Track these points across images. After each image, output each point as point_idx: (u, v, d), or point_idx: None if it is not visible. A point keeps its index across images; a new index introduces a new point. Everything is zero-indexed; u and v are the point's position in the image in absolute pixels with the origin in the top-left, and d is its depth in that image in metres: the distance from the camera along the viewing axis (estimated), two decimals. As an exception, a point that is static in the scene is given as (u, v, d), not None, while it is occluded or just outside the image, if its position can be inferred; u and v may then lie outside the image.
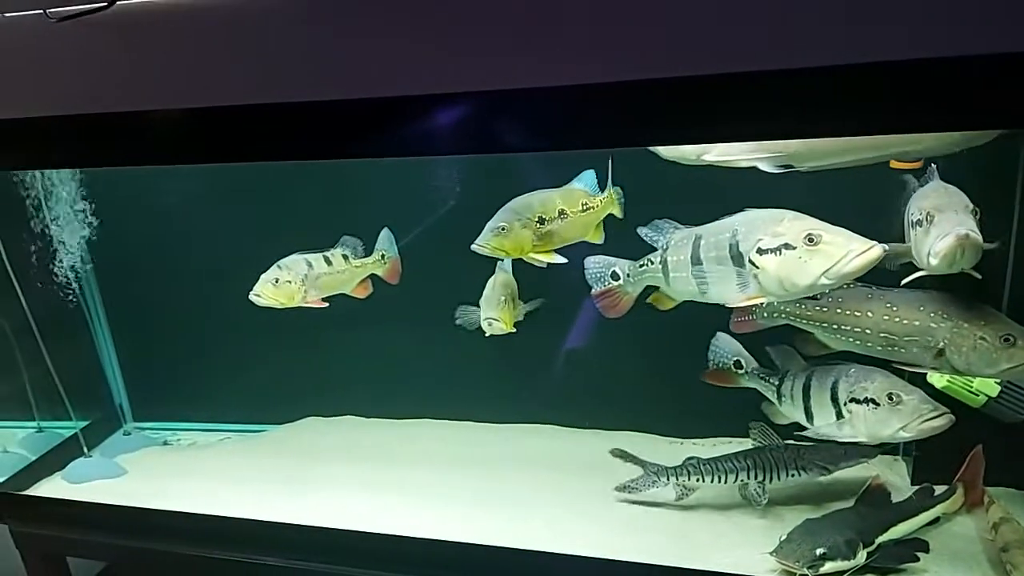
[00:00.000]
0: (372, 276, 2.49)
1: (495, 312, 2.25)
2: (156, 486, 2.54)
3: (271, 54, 1.46)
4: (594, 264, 2.11)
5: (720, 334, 2.16)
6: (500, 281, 2.31)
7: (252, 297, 2.26)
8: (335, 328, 2.76)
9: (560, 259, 2.06)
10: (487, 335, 2.28)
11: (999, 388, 1.85)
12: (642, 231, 2.01)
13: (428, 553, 2.09)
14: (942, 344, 1.72)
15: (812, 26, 1.20)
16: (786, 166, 1.91)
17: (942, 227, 1.62)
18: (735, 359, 2.15)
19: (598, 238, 2.16)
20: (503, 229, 1.97)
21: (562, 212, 2.03)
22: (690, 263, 1.87)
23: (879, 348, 1.82)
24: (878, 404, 1.85)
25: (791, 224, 1.68)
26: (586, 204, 2.08)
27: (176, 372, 3.05)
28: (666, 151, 1.95)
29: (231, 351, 2.95)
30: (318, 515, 2.26)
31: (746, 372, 2.14)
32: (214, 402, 3.06)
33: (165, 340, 3.00)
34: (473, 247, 1.99)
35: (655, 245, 2.00)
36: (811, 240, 1.63)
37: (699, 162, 1.93)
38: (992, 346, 1.66)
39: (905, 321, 1.77)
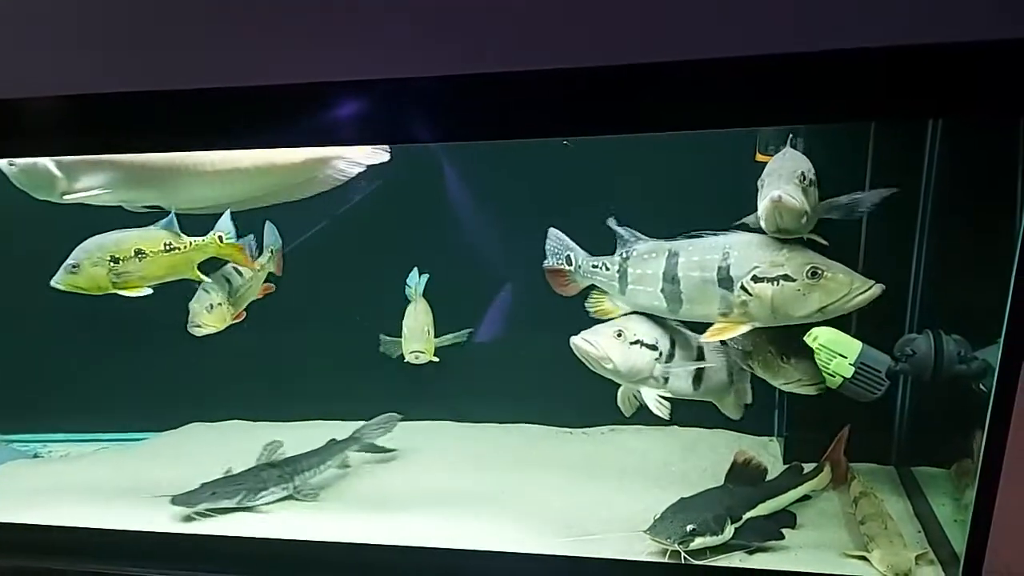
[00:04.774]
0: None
1: (421, 345, 2.35)
2: (23, 500, 2.40)
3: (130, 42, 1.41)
4: (555, 239, 2.09)
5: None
6: (421, 312, 2.40)
7: (193, 330, 2.24)
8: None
9: (147, 291, 2.12)
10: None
11: (853, 369, 1.96)
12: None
13: (306, 555, 2.05)
14: (750, 348, 1.91)
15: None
16: (153, 206, 2.10)
17: (765, 192, 1.72)
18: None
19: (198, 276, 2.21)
20: (74, 267, 2.03)
21: (139, 251, 2.08)
22: (661, 279, 1.86)
23: None
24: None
25: (791, 255, 1.69)
26: (170, 245, 2.13)
27: (48, 381, 2.89)
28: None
29: (109, 356, 2.83)
30: (198, 525, 2.18)
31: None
32: (90, 411, 2.92)
33: (34, 347, 2.84)
34: (52, 283, 2.04)
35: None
36: (814, 274, 1.64)
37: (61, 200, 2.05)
38: (775, 361, 1.87)
39: None
